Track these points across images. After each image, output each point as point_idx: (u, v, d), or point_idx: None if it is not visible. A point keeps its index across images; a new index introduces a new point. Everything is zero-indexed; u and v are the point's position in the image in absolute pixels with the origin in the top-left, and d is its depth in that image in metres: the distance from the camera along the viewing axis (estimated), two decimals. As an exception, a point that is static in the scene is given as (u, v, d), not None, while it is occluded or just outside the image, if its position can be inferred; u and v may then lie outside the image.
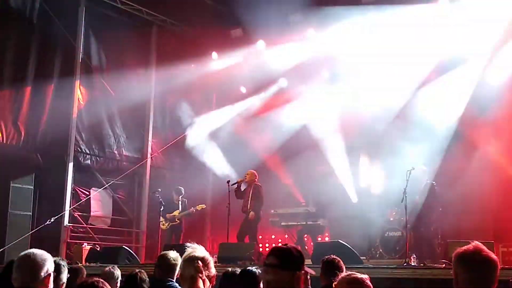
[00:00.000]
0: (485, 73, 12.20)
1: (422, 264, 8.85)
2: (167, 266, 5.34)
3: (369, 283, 3.55)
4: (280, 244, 3.06)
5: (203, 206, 12.99)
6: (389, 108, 13.49)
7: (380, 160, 13.96)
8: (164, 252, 5.54)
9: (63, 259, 4.85)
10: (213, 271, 3.78)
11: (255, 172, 12.19)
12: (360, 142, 14.28)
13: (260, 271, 5.08)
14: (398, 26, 12.67)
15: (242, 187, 12.10)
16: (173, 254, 5.41)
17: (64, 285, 4.55)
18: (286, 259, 2.91)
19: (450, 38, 12.21)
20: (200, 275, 3.64)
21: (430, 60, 12.90)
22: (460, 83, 12.59)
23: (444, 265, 8.08)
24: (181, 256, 3.86)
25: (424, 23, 12.38)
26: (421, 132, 12.78)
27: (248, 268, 5.15)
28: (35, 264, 3.55)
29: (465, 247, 2.85)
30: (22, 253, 3.65)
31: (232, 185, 11.86)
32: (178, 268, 5.26)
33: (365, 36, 13.18)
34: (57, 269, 4.24)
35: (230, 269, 5.35)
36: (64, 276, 4.56)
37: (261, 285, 4.97)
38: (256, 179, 12.07)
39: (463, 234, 10.50)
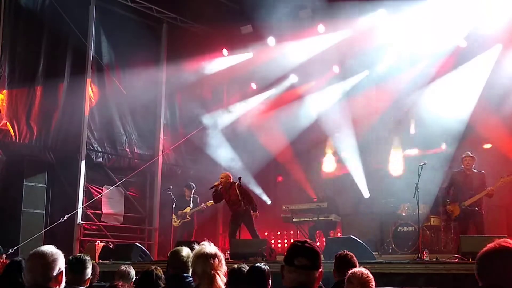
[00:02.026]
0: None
1: (434, 259, 8.79)
2: (179, 263, 5.31)
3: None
4: (298, 241, 3.00)
5: (212, 202, 12.99)
6: (400, 103, 13.46)
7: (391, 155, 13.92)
8: (175, 249, 5.51)
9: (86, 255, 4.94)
10: (224, 267, 3.80)
11: (228, 173, 12.07)
12: (372, 136, 14.26)
13: (268, 268, 5.09)
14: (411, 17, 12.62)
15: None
16: (184, 251, 5.38)
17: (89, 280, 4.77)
18: (316, 259, 2.91)
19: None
20: (217, 271, 3.66)
21: (445, 52, 12.85)
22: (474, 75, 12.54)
23: (456, 260, 8.02)
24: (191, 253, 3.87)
25: (439, 13, 12.31)
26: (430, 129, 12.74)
27: (256, 264, 5.14)
28: (47, 263, 3.41)
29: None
30: (32, 252, 3.51)
31: (210, 189, 11.93)
32: (190, 264, 5.26)
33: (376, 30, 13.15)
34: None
35: (236, 265, 5.35)
36: (89, 271, 4.76)
37: (270, 282, 4.98)
38: (231, 180, 11.99)
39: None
